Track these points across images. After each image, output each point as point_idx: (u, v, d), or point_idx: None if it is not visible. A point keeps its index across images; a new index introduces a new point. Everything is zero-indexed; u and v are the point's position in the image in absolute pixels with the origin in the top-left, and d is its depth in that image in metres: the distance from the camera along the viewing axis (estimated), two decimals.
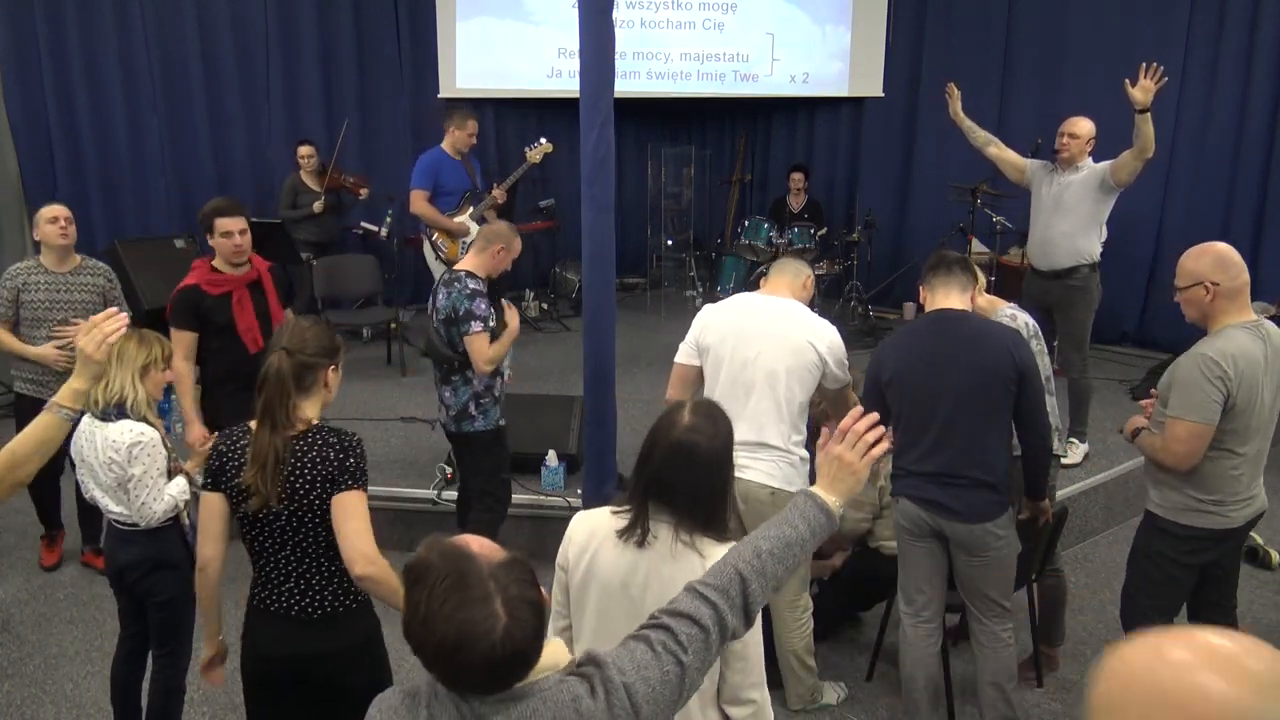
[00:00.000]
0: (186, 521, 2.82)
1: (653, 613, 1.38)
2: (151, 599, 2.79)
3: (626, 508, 1.87)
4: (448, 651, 1.20)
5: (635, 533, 1.83)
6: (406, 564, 1.28)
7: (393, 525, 4.16)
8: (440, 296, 3.49)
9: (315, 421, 2.14)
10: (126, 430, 2.66)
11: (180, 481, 2.78)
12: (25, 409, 3.77)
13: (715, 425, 1.87)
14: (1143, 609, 2.82)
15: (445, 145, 5.76)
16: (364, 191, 6.90)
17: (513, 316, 3.60)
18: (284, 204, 6.70)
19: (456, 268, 3.54)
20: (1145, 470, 2.85)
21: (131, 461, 2.65)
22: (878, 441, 1.59)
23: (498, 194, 5.87)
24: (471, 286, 3.44)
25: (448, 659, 1.20)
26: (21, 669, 3.50)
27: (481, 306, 3.38)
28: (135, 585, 2.78)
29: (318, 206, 6.60)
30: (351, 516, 2.06)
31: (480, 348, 3.38)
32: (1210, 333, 2.64)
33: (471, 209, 5.76)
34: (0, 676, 3.45)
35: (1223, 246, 2.66)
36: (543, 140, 6.04)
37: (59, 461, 3.79)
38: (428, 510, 4.32)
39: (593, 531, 1.89)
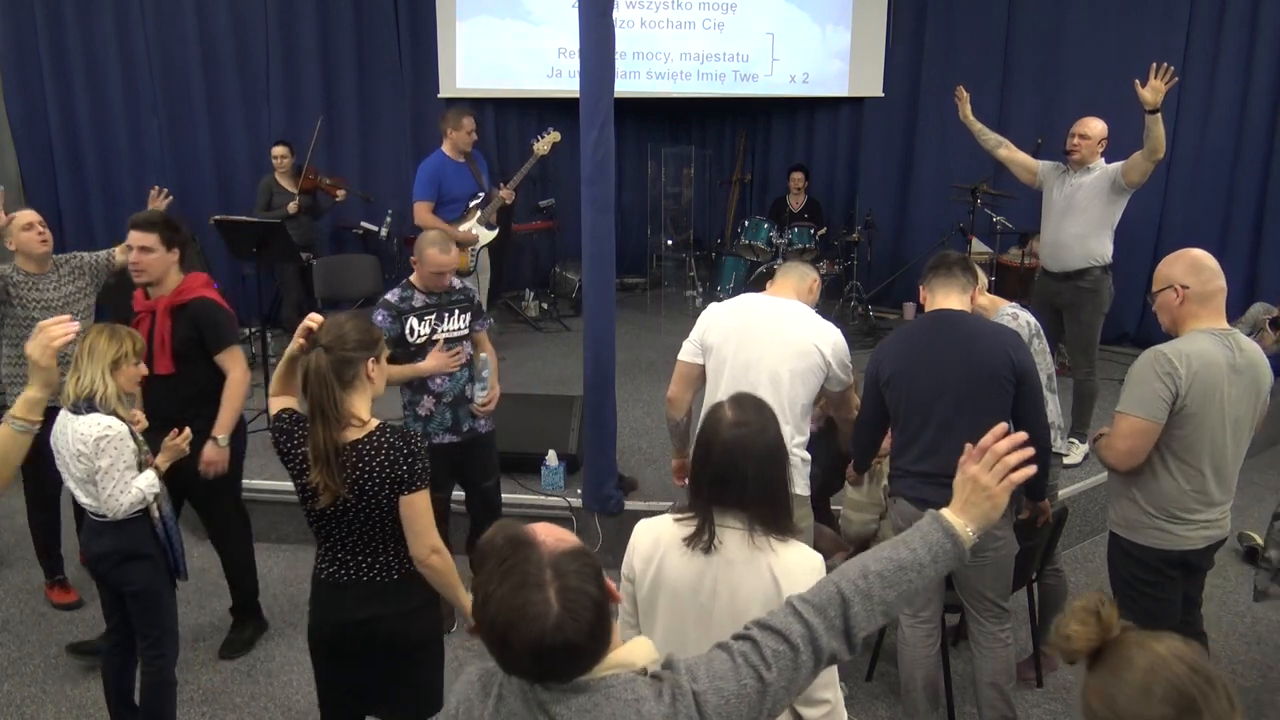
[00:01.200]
0: (157, 514, 2.83)
1: (745, 624, 1.34)
2: (124, 589, 2.83)
3: (689, 514, 1.86)
4: (499, 634, 1.19)
5: (702, 539, 1.81)
6: (476, 544, 1.29)
7: None
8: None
9: (373, 421, 2.22)
10: (94, 423, 2.68)
11: (149, 475, 2.78)
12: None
13: (762, 416, 1.88)
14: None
15: (446, 148, 5.61)
16: (341, 193, 6.85)
17: (432, 358, 3.41)
18: (259, 205, 6.63)
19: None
20: (1107, 484, 2.80)
21: (98, 454, 2.67)
22: (1022, 464, 1.45)
23: (505, 193, 5.78)
24: (385, 296, 3.42)
25: (499, 642, 1.20)
26: (21, 669, 3.50)
27: (379, 317, 3.31)
28: (107, 575, 2.83)
29: (292, 207, 6.51)
30: (419, 515, 2.21)
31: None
32: (1177, 337, 2.58)
33: (479, 214, 5.64)
34: (0, 676, 3.45)
35: (1198, 252, 2.61)
36: (550, 130, 5.87)
37: (55, 496, 3.76)
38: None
39: (657, 539, 1.88)
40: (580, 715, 1.21)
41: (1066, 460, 4.39)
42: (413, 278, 3.46)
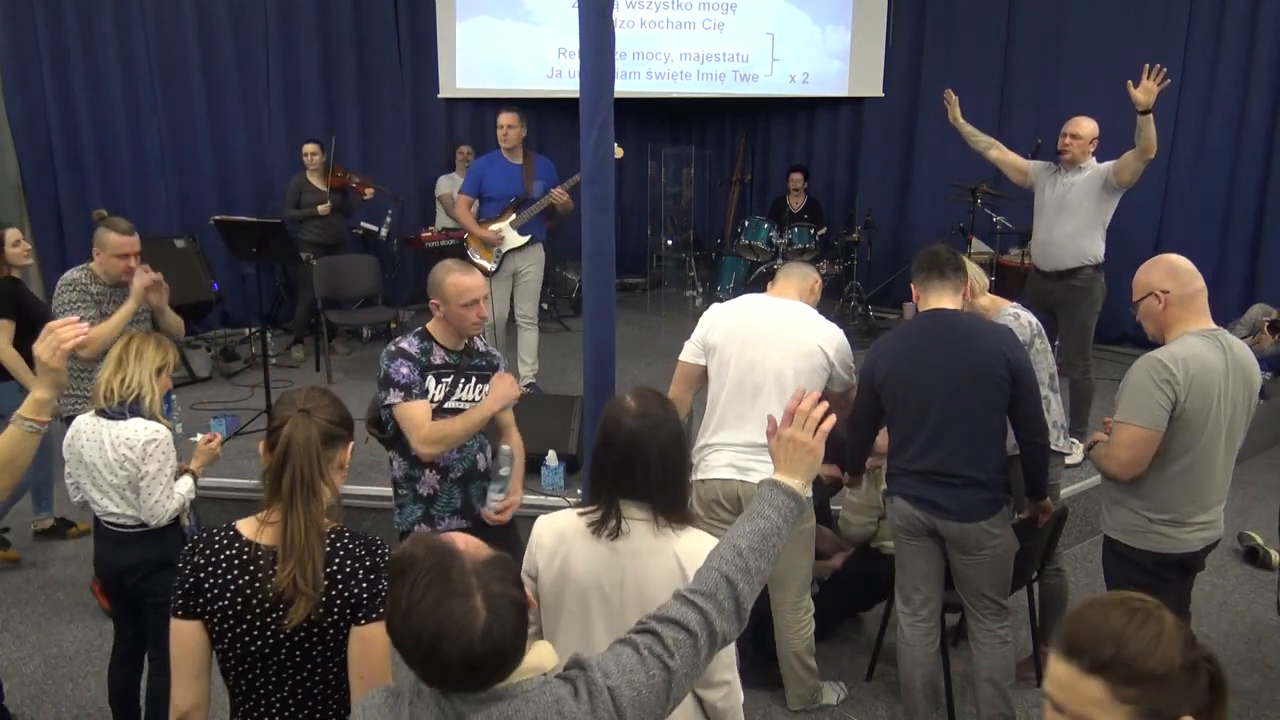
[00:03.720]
0: (187, 522, 2.82)
1: (640, 619, 1.37)
2: (150, 599, 2.79)
3: (592, 507, 1.87)
4: (426, 646, 1.19)
5: (608, 527, 1.83)
6: (391, 557, 1.28)
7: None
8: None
9: (330, 522, 1.75)
10: (142, 428, 2.67)
11: (187, 480, 2.80)
12: None
13: (664, 407, 1.91)
14: None
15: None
16: (370, 191, 6.86)
17: (498, 384, 2.84)
18: (289, 202, 6.68)
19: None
20: (1101, 489, 2.77)
21: (146, 459, 2.66)
22: (826, 417, 1.59)
23: (556, 194, 5.36)
24: (399, 345, 2.80)
25: (426, 654, 1.20)
26: (21, 669, 3.50)
27: (403, 371, 2.75)
28: (136, 587, 2.78)
29: (323, 209, 6.56)
30: (374, 655, 1.67)
31: (413, 418, 2.71)
32: (1166, 343, 2.57)
33: (514, 215, 5.42)
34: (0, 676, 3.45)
35: (1174, 256, 2.61)
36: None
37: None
38: None
39: (561, 534, 1.89)
40: None
41: (1068, 460, 4.39)
42: (431, 326, 2.87)
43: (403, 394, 2.74)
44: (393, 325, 6.62)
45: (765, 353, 2.93)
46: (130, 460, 2.66)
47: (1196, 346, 2.50)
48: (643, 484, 1.83)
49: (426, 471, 2.84)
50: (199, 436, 3.03)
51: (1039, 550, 3.26)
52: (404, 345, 2.81)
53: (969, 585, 2.87)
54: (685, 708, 1.81)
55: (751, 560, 1.43)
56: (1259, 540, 4.33)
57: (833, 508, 3.90)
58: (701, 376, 3.11)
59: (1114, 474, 2.59)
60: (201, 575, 1.68)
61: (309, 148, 6.70)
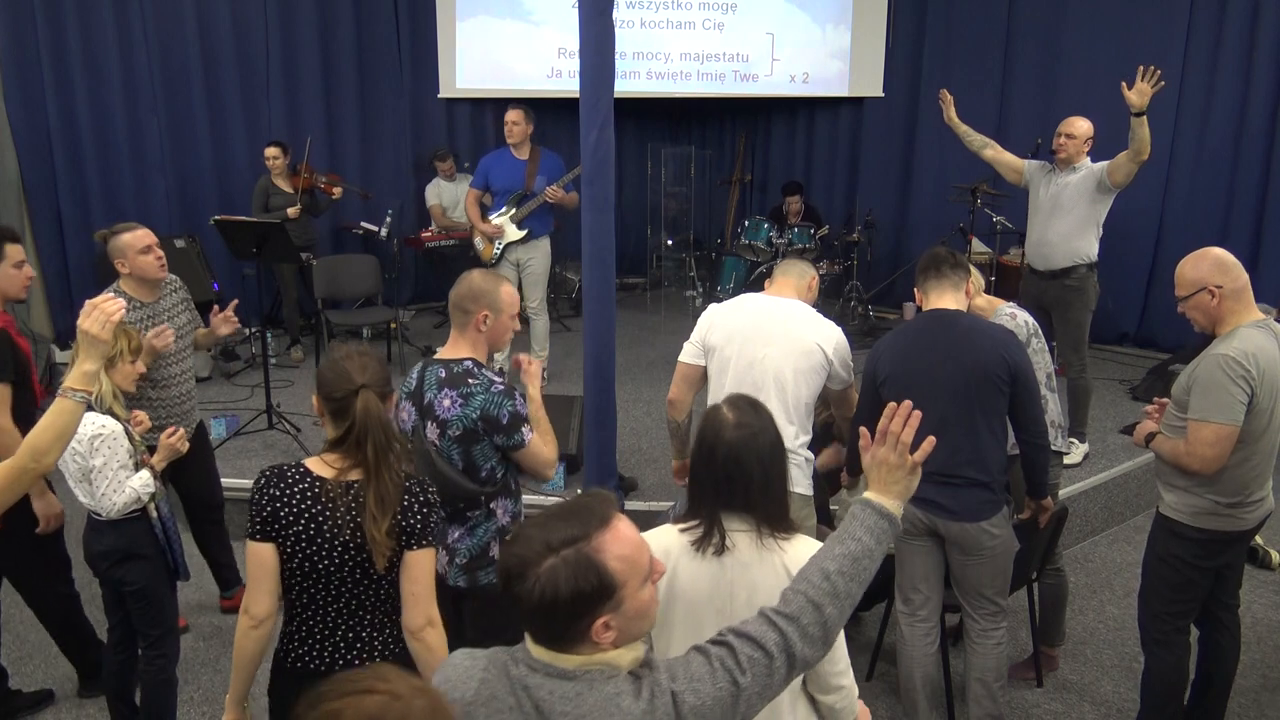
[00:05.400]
0: (155, 514, 2.82)
1: (720, 631, 1.38)
2: (124, 588, 2.83)
3: (694, 522, 1.84)
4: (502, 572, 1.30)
5: (711, 542, 1.81)
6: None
7: None
8: (446, 403, 2.42)
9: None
10: (89, 421, 2.68)
11: (144, 475, 2.78)
12: None
13: (760, 416, 1.89)
14: (1159, 614, 2.81)
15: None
16: (337, 191, 6.79)
17: (531, 375, 2.69)
18: (255, 206, 6.58)
19: (453, 355, 2.51)
20: (1158, 474, 2.82)
21: (92, 452, 2.68)
22: (924, 440, 1.57)
23: (550, 191, 5.49)
24: (495, 380, 2.44)
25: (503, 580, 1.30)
26: (21, 669, 3.50)
27: (521, 403, 2.46)
28: (107, 574, 2.83)
29: (292, 212, 6.45)
30: (422, 577, 1.98)
31: (545, 453, 2.53)
32: (1221, 335, 2.62)
33: (514, 210, 5.59)
34: (1, 676, 3.45)
35: (1218, 250, 2.67)
36: None
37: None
38: None
39: (665, 551, 1.85)
40: (563, 702, 1.25)
41: (1067, 460, 4.39)
42: (471, 350, 2.52)
43: (531, 429, 2.48)
44: (392, 325, 6.61)
45: (764, 352, 2.93)
46: (79, 453, 2.69)
47: (1258, 339, 2.57)
48: (744, 496, 1.81)
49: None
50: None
51: (1039, 550, 3.27)
52: (495, 377, 2.47)
53: (968, 585, 2.88)
54: (800, 710, 1.83)
55: (840, 584, 1.41)
56: (1259, 540, 4.33)
57: (832, 507, 3.90)
58: (701, 377, 3.11)
59: (1198, 470, 2.62)
60: (277, 505, 1.95)
61: (271, 151, 6.61)
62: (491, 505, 2.53)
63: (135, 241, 3.31)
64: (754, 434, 1.84)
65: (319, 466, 2.00)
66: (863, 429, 1.62)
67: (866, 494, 1.55)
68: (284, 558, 1.97)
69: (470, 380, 2.42)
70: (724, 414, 1.88)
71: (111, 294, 2.00)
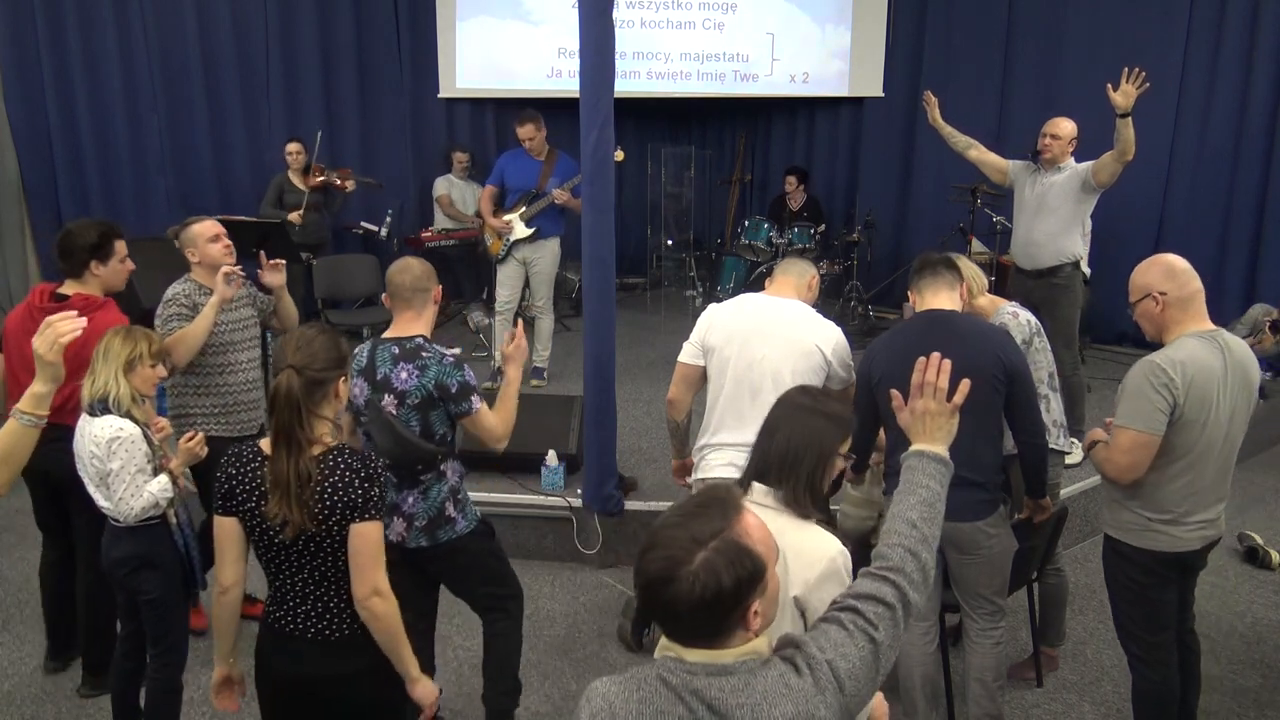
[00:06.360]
0: (174, 520, 2.81)
1: (834, 599, 1.46)
2: (140, 596, 2.81)
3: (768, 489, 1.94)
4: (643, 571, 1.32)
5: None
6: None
7: None
8: (404, 375, 2.65)
9: (330, 441, 2.06)
10: (106, 425, 2.67)
11: (162, 479, 2.75)
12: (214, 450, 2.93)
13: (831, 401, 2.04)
14: (1134, 634, 2.74)
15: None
16: (350, 184, 6.75)
17: (515, 349, 2.84)
18: (269, 200, 6.57)
19: (404, 334, 2.73)
20: (1102, 488, 2.76)
21: (110, 456, 2.66)
22: (960, 383, 1.67)
23: (557, 194, 5.57)
24: (445, 354, 2.72)
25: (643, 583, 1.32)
26: (21, 669, 3.50)
27: (470, 376, 2.72)
28: (124, 582, 2.81)
29: (294, 218, 6.38)
30: (368, 548, 2.03)
31: (493, 422, 2.75)
32: (1165, 344, 2.57)
33: (524, 208, 5.69)
34: (1, 677, 3.45)
35: (1170, 256, 2.61)
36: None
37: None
38: None
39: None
40: (735, 694, 1.28)
41: (1068, 459, 4.39)
42: (422, 329, 2.79)
43: (479, 397, 2.72)
44: None
45: (764, 353, 2.93)
46: (97, 456, 2.68)
47: (1194, 348, 2.50)
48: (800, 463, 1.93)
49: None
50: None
51: (1039, 550, 3.26)
52: (446, 352, 2.73)
53: (966, 585, 2.88)
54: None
55: (925, 529, 1.54)
56: (1259, 540, 4.33)
57: (832, 507, 3.90)
58: (701, 377, 3.11)
59: (1113, 478, 2.59)
60: (234, 483, 2.05)
61: (292, 147, 6.62)
62: (442, 467, 2.77)
63: (204, 231, 3.47)
64: (807, 410, 1.97)
65: (268, 445, 2.05)
66: (893, 390, 1.75)
67: (915, 446, 1.66)
68: (247, 531, 2.09)
69: (424, 354, 2.68)
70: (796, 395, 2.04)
71: (74, 312, 1.91)
